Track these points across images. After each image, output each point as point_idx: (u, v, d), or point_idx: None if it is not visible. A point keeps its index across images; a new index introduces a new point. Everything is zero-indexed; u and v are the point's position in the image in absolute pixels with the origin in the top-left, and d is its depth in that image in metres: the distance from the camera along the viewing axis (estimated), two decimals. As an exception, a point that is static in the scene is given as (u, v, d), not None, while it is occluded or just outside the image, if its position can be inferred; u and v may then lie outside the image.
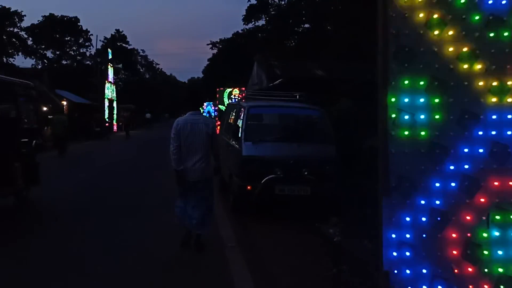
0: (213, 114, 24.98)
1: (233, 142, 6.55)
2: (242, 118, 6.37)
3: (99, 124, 24.68)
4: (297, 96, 7.29)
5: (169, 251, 4.54)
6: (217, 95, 19.39)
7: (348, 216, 5.92)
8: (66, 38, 45.98)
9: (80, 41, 46.41)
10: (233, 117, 7.38)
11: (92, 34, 45.88)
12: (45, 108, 21.32)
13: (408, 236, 1.99)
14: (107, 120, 29.00)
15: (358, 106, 9.63)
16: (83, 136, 22.97)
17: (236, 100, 19.00)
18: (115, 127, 33.54)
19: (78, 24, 45.51)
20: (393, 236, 2.01)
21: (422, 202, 1.99)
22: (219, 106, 19.22)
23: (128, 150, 18.61)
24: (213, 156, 4.84)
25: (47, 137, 17.45)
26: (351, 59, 21.00)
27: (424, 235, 1.98)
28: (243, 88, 19.29)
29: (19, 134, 6.41)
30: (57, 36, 44.94)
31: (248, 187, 5.81)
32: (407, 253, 1.98)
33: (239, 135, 6.16)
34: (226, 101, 19.05)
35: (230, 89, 19.28)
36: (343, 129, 7.51)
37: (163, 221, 5.46)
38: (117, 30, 51.06)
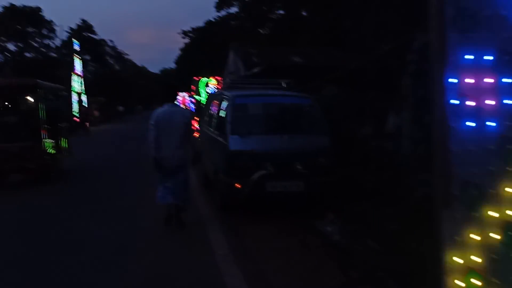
0: (190, 105, 24.15)
1: (218, 135, 6.00)
2: (227, 109, 5.81)
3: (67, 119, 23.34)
4: (283, 84, 6.80)
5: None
6: (193, 85, 18.59)
7: (345, 211, 5.52)
8: (29, 30, 43.53)
9: (44, 32, 44.08)
10: (215, 108, 6.81)
11: (56, 25, 43.67)
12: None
13: (476, 259, 1.54)
14: (75, 114, 27.60)
15: (344, 94, 9.26)
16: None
17: (215, 90, 18.38)
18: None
19: (41, 14, 43.13)
20: (458, 260, 1.55)
21: (494, 214, 1.53)
22: (196, 97, 18.47)
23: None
24: (191, 146, 5.29)
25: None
26: (329, 45, 20.67)
27: (497, 258, 1.53)
28: (220, 78, 18.60)
29: (60, 120, 9.84)
30: (19, 27, 42.45)
31: (237, 185, 5.30)
32: (477, 282, 1.53)
33: (225, 128, 5.61)
34: (202, 91, 18.31)
35: (207, 79, 18.54)
36: (329, 117, 7.10)
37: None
38: (83, 20, 48.72)
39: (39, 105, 8.39)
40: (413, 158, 5.11)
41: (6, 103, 9.28)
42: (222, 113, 6.08)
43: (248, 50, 20.96)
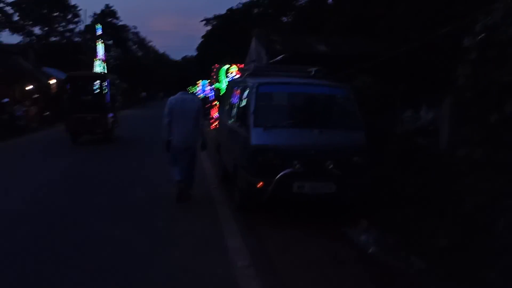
0: (209, 94, 23.66)
1: (239, 127, 5.39)
2: (249, 98, 5.19)
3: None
4: (313, 72, 6.11)
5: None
6: (213, 73, 18.03)
7: (382, 219, 4.86)
8: (54, 14, 43.73)
9: (69, 17, 44.19)
10: (236, 97, 6.20)
11: (81, 10, 43.74)
12: (30, 87, 19.92)
13: None
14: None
15: (378, 85, 8.48)
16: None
17: (233, 77, 17.73)
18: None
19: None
20: None
21: None
22: (216, 84, 17.92)
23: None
24: (200, 132, 5.75)
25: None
26: (355, 34, 19.69)
27: None
28: (241, 65, 17.97)
29: (115, 100, 13.79)
30: (45, 11, 42.69)
31: (259, 184, 4.69)
32: None
33: (247, 120, 4.99)
34: (223, 78, 17.74)
35: (227, 66, 17.94)
36: (363, 110, 6.38)
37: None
38: (107, 5, 48.63)
39: (104, 90, 12.56)
40: (465, 162, 4.39)
41: (86, 88, 13.31)
42: (244, 103, 5.46)
43: (271, 38, 20.18)
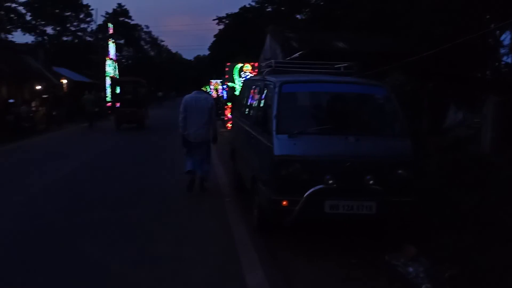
0: (222, 94, 22.92)
1: (258, 133, 4.59)
2: (270, 99, 4.38)
3: (98, 104, 22.65)
4: (342, 68, 5.27)
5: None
6: (226, 72, 17.26)
7: (433, 245, 4.00)
8: (66, 13, 43.60)
9: (81, 16, 44.05)
10: (254, 98, 5.40)
11: (93, 9, 43.51)
12: (38, 87, 19.43)
13: None
14: (108, 100, 27.05)
15: (412, 83, 7.60)
16: (81, 117, 21.03)
17: (249, 76, 16.96)
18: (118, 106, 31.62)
19: (78, -1, 43.01)
20: None
21: None
22: (229, 83, 17.15)
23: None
24: (212, 128, 6.23)
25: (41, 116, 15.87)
26: (373, 31, 18.72)
27: None
28: (255, 64, 17.17)
29: (145, 100, 18.25)
30: (57, 11, 42.58)
31: (284, 203, 3.89)
32: None
33: (268, 125, 4.19)
34: (236, 77, 16.96)
35: (241, 64, 17.15)
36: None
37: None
38: (119, 5, 48.38)
39: (141, 90, 17.58)
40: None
41: (127, 89, 17.50)
42: (264, 105, 4.66)
43: (286, 34, 19.34)
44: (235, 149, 6.35)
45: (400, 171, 3.97)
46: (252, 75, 16.90)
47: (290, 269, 3.67)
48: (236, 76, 16.96)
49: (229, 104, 15.92)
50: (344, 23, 22.54)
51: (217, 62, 39.87)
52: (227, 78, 17.31)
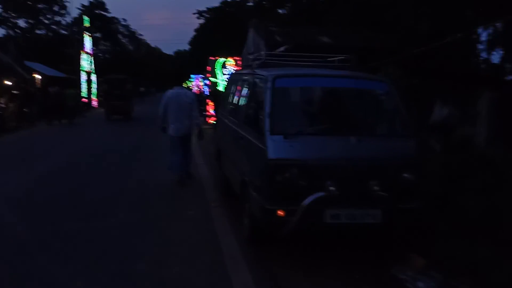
0: (203, 90, 22.30)
1: (247, 133, 4.13)
2: (262, 95, 3.93)
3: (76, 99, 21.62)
4: (336, 62, 4.86)
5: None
6: (208, 66, 16.67)
7: (442, 255, 3.65)
8: (40, 6, 41.81)
9: (55, 9, 42.32)
10: (242, 94, 4.93)
11: (67, 1, 41.83)
12: (7, 82, 18.35)
13: None
14: (83, 95, 26.00)
15: (407, 78, 7.27)
16: (55, 114, 20.00)
17: (232, 71, 16.43)
18: (94, 103, 30.53)
19: (52, -11, 41.25)
20: None
21: None
22: (211, 79, 16.57)
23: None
24: (196, 123, 6.44)
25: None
26: (359, 25, 18.51)
27: None
28: (238, 59, 16.65)
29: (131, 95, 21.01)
30: (30, 3, 40.76)
31: (279, 212, 3.45)
32: None
33: (259, 124, 3.73)
34: (219, 72, 16.39)
35: (224, 59, 16.58)
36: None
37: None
38: (95, -3, 46.72)
39: (127, 86, 19.66)
40: None
41: (116, 85, 19.55)
42: (254, 101, 4.20)
43: (270, 28, 18.88)
44: (220, 149, 5.87)
45: (405, 175, 3.59)
46: (236, 69, 16.41)
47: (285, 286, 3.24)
48: (218, 71, 16.39)
49: (211, 100, 15.37)
50: (328, 18, 22.26)
51: (198, 57, 39.09)
52: (209, 72, 16.73)
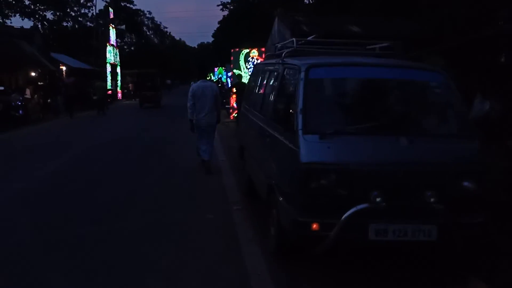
0: (225, 80, 21.93)
1: (276, 131, 3.60)
2: (294, 88, 3.38)
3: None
4: (376, 49, 4.25)
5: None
6: (232, 58, 16.15)
7: (506, 280, 3.03)
8: (66, -2, 42.25)
9: (82, 1, 42.72)
10: (270, 86, 4.39)
11: (94, -7, 42.13)
12: (33, 74, 18.45)
13: None
14: (109, 87, 26.04)
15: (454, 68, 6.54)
16: (80, 105, 20.03)
17: (256, 61, 15.87)
18: (119, 95, 30.66)
19: (79, -18, 41.56)
20: None
21: None
22: (234, 70, 16.06)
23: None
24: (217, 112, 6.88)
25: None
26: (389, 14, 17.54)
27: None
28: (262, 49, 16.05)
29: (160, 86, 26.28)
30: (57, -5, 41.24)
31: (314, 226, 2.92)
32: None
33: (291, 121, 3.19)
34: (242, 64, 15.88)
35: (247, 50, 16.04)
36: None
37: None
38: (121, -11, 46.85)
39: (157, 79, 24.82)
40: None
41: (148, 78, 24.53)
42: (284, 95, 3.66)
43: (296, 18, 18.16)
44: (244, 147, 5.37)
45: (467, 183, 2.98)
46: (260, 61, 15.84)
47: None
48: (242, 63, 15.88)
49: (235, 92, 14.87)
50: (357, 5, 21.30)
51: (221, 49, 38.66)
52: (232, 65, 16.22)
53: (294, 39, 4.09)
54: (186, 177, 6.52)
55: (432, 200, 2.87)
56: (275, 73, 4.18)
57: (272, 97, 4.06)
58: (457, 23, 11.87)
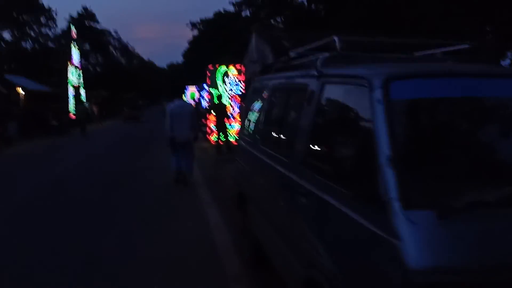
0: (201, 101, 20.12)
1: (324, 190, 2.07)
2: (359, 115, 1.91)
3: (58, 116, 19.51)
4: (438, 54, 2.88)
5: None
6: (208, 77, 14.60)
7: None
8: (25, 17, 39.80)
9: (42, 20, 40.33)
10: (295, 112, 2.90)
11: (56, 13, 39.96)
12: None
13: None
14: (71, 111, 23.87)
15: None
16: (38, 132, 17.89)
17: (233, 81, 14.44)
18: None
19: (39, 1, 39.31)
20: None
21: None
22: (212, 90, 14.51)
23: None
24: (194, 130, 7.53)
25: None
26: (370, 29, 16.74)
27: None
28: (239, 66, 14.66)
29: (140, 107, 37.14)
30: (15, 14, 38.74)
31: None
32: None
33: (367, 181, 1.69)
34: (220, 83, 14.38)
35: (225, 68, 14.57)
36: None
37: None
38: (85, 8, 44.81)
39: (137, 100, 39.66)
40: None
41: (131, 100, 37.61)
42: (335, 128, 2.18)
43: (275, 33, 17.05)
44: (248, 196, 3.79)
45: None
46: (240, 81, 14.40)
47: None
48: (219, 82, 14.39)
49: (211, 113, 13.32)
50: (333, 22, 20.54)
51: (192, 69, 37.31)
52: (209, 83, 14.68)
53: (336, 37, 2.63)
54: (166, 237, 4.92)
55: None
56: (303, 93, 2.69)
57: (303, 130, 2.55)
58: (444, 36, 11.04)
